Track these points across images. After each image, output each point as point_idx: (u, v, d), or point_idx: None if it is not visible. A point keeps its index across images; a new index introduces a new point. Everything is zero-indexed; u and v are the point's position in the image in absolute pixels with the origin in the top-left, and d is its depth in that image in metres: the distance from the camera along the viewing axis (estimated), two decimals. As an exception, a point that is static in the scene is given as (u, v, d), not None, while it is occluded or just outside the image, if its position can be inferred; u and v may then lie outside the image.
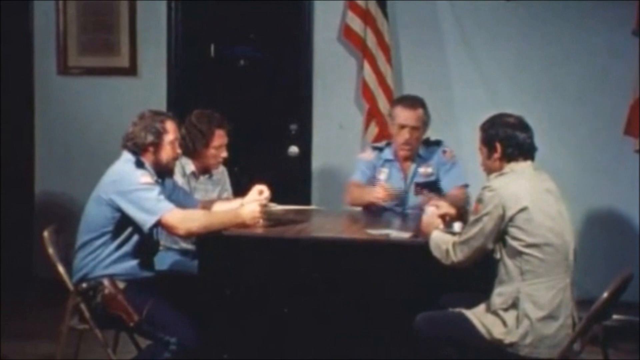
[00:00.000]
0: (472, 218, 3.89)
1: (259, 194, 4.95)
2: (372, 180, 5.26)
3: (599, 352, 4.04)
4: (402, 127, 5.13)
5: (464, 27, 6.39)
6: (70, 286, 4.33)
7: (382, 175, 5.25)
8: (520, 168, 3.92)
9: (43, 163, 6.95)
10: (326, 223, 4.86)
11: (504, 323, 3.78)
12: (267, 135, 6.68)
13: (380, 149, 5.29)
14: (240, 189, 5.11)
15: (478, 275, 3.99)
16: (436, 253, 3.99)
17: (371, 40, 6.32)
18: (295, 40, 6.65)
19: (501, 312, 3.80)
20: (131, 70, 6.76)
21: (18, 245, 6.59)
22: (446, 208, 4.42)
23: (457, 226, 4.44)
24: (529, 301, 3.76)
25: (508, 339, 3.77)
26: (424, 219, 4.29)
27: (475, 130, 6.23)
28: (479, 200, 3.87)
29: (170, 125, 4.39)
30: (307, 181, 6.63)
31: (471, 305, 3.96)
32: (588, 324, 3.79)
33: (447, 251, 3.93)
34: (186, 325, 4.21)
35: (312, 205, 5.26)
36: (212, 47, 6.78)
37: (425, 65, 6.46)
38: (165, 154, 4.39)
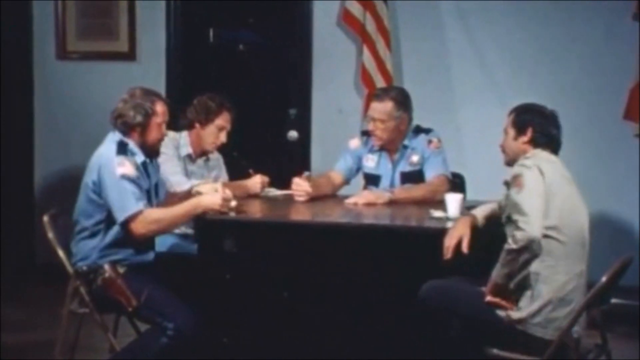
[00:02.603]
0: (516, 192, 3.80)
1: (260, 184, 4.99)
2: (353, 171, 5.23)
3: (598, 335, 4.05)
4: (369, 118, 5.08)
5: (464, 11, 6.39)
6: (70, 270, 4.34)
7: (370, 162, 5.19)
8: (544, 155, 3.96)
9: (42, 147, 6.95)
10: (325, 208, 4.85)
11: (517, 300, 3.80)
12: (266, 120, 6.68)
13: (370, 136, 5.20)
14: (240, 173, 5.12)
15: (477, 258, 3.98)
16: (511, 265, 3.77)
17: (370, 25, 6.31)
18: (295, 25, 6.64)
19: (515, 290, 3.81)
20: (130, 55, 6.76)
21: (19, 231, 6.60)
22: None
23: (436, 212, 4.46)
24: (544, 283, 3.77)
25: (517, 315, 3.78)
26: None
27: (473, 114, 6.34)
28: (518, 176, 3.82)
29: (159, 107, 4.36)
30: (306, 166, 6.62)
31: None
32: (587, 307, 3.80)
33: (508, 243, 3.75)
34: (184, 311, 4.20)
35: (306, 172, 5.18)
36: (211, 32, 6.78)
37: (425, 49, 6.46)
38: (152, 135, 4.37)
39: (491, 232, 4.10)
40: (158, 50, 6.73)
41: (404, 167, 5.11)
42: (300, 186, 4.92)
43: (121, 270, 4.25)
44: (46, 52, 6.88)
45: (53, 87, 6.89)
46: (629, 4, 5.95)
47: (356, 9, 6.35)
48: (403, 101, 5.07)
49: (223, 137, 4.98)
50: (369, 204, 4.79)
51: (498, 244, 3.89)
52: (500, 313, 3.81)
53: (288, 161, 6.57)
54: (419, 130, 5.15)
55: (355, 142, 5.26)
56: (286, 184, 5.23)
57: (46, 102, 6.92)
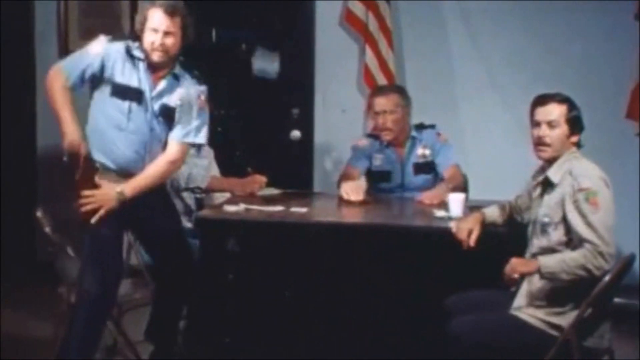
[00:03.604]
0: (592, 212, 3.68)
1: (257, 183, 4.99)
2: (365, 167, 5.31)
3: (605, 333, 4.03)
4: (377, 113, 5.20)
5: (466, 11, 6.40)
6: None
7: (378, 161, 5.30)
8: (582, 156, 3.93)
9: (45, 145, 6.95)
10: (327, 208, 4.87)
11: (559, 314, 3.77)
12: (269, 120, 6.68)
13: (375, 137, 5.32)
14: (243, 172, 5.14)
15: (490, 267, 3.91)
16: (573, 277, 3.68)
17: (373, 24, 6.32)
18: (297, 25, 6.64)
19: (557, 306, 3.78)
20: (132, 54, 6.74)
21: (20, 229, 6.59)
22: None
23: (439, 212, 4.48)
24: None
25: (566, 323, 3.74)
26: (512, 263, 3.84)
27: (475, 114, 6.34)
28: (594, 193, 3.71)
29: (153, 13, 4.26)
30: (309, 164, 6.64)
31: (486, 306, 3.92)
32: (591, 305, 3.78)
33: (586, 267, 3.64)
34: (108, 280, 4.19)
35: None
36: (214, 32, 6.77)
37: (426, 48, 6.46)
38: (144, 40, 4.28)
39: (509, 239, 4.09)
40: None
41: (415, 158, 5.25)
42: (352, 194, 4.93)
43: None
44: (48, 51, 6.87)
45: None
46: (630, 4, 5.95)
47: (359, 9, 6.36)
48: (405, 93, 5.32)
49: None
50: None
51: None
52: (552, 331, 3.75)
53: (291, 160, 6.57)
54: (422, 126, 5.31)
55: (363, 141, 5.37)
56: (289, 182, 5.26)
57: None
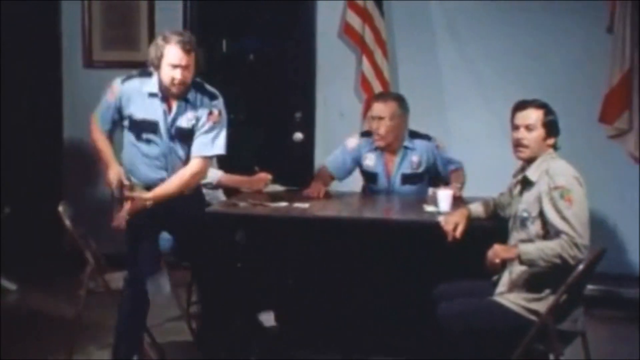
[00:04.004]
0: (567, 208, 3.69)
1: (263, 180, 4.99)
2: (344, 170, 5.14)
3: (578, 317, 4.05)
4: (373, 118, 5.02)
5: (454, 24, 6.39)
6: (88, 255, 4.37)
7: (369, 160, 5.11)
8: (558, 157, 3.92)
9: (70, 145, 6.96)
10: (327, 204, 4.87)
11: (539, 300, 3.78)
12: (274, 123, 6.69)
13: (370, 135, 5.12)
14: (251, 171, 5.15)
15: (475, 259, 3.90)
16: (549, 264, 3.70)
17: (369, 37, 6.31)
18: (300, 37, 6.65)
19: (535, 291, 3.78)
20: (150, 63, 6.76)
21: (47, 223, 6.60)
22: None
23: (429, 207, 4.47)
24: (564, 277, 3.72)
25: (544, 308, 3.75)
26: (495, 249, 3.85)
27: (462, 118, 6.34)
28: (567, 191, 3.71)
29: (169, 50, 4.20)
30: (310, 164, 6.64)
31: (471, 293, 3.93)
32: (566, 292, 3.80)
33: (562, 256, 3.65)
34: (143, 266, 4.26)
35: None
36: (224, 43, 6.79)
37: (418, 58, 6.45)
38: (162, 75, 4.24)
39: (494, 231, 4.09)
40: (165, 32, 6.70)
41: (405, 168, 5.06)
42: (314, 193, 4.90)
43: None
44: (74, 61, 6.90)
45: (80, 92, 6.89)
46: (602, 19, 5.97)
47: (356, 23, 6.36)
48: (403, 102, 5.08)
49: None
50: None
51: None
52: (531, 316, 3.77)
53: (294, 160, 6.58)
54: (415, 134, 5.11)
55: (353, 142, 5.17)
56: (291, 180, 5.26)
57: (74, 105, 6.93)
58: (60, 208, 4.43)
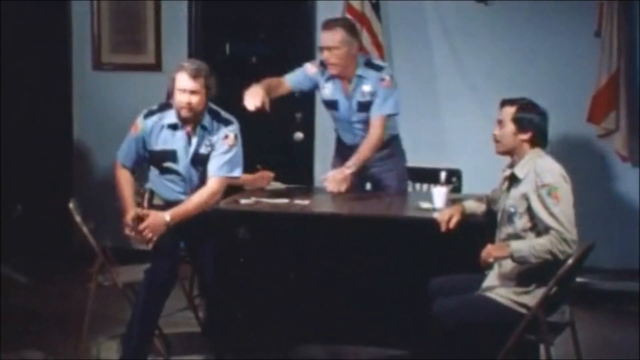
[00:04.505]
0: (554, 205, 3.71)
1: (266, 179, 5.01)
2: (303, 87, 5.05)
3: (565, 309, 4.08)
4: (322, 48, 4.84)
5: (448, 27, 6.39)
6: (97, 249, 4.39)
7: (327, 90, 4.98)
8: (546, 155, 3.91)
9: (80, 146, 6.98)
10: (326, 201, 4.88)
11: (527, 293, 3.80)
12: (275, 123, 6.66)
13: (325, 67, 4.94)
14: (253, 169, 5.15)
15: (470, 253, 3.92)
16: (540, 260, 3.72)
17: (366, 40, 6.31)
18: (300, 39, 6.64)
19: (524, 284, 3.80)
20: (156, 66, 6.77)
21: (58, 227, 6.60)
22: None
23: (424, 204, 4.47)
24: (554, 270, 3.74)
25: (527, 302, 3.77)
26: (488, 248, 3.87)
27: (455, 118, 6.35)
28: (554, 189, 3.72)
29: (179, 76, 4.44)
30: (310, 163, 6.65)
31: (466, 287, 3.95)
32: (556, 285, 3.82)
33: (552, 252, 3.68)
34: (165, 262, 4.35)
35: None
36: (228, 46, 6.79)
37: (413, 60, 6.45)
38: (175, 100, 4.45)
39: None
40: (181, 62, 6.71)
41: (359, 97, 4.90)
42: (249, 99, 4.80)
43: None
44: (83, 63, 6.90)
45: (89, 94, 6.92)
46: (591, 23, 5.99)
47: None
48: (351, 28, 4.88)
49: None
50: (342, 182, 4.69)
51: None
52: (521, 309, 3.78)
53: (294, 159, 6.59)
54: (369, 64, 4.93)
55: (313, 68, 5.03)
56: (292, 178, 5.26)
57: (83, 107, 6.96)
58: (71, 204, 4.47)
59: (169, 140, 4.50)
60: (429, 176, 5.05)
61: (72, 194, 6.84)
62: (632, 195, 6.10)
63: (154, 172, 4.61)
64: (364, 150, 4.82)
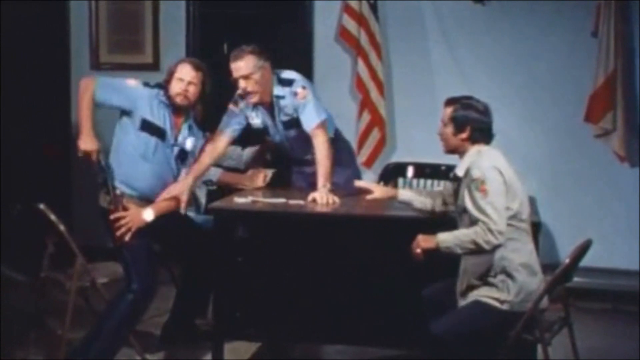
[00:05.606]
0: (482, 198, 3.70)
1: (263, 177, 5.01)
2: (240, 129, 4.88)
3: (561, 309, 4.07)
4: (236, 80, 4.72)
5: (445, 27, 6.39)
6: (75, 249, 4.36)
7: (254, 119, 4.86)
8: (488, 149, 3.86)
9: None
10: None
11: (497, 287, 3.76)
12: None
13: (242, 97, 4.80)
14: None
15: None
16: (465, 250, 3.75)
17: (364, 40, 6.31)
18: (298, 40, 6.63)
19: (491, 279, 3.78)
20: (154, 66, 6.75)
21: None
22: None
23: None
24: (517, 263, 3.74)
25: (503, 297, 3.75)
26: (417, 239, 3.89)
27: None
28: (481, 182, 3.70)
29: (181, 68, 4.58)
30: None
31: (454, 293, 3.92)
32: (553, 284, 3.80)
33: (476, 242, 3.68)
34: (150, 278, 4.34)
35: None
36: (225, 46, 6.77)
37: (411, 60, 6.45)
38: (171, 87, 4.56)
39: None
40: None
41: (282, 116, 4.81)
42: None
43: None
44: (82, 63, 6.89)
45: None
46: (588, 23, 5.98)
47: (352, 26, 6.35)
48: (260, 53, 4.75)
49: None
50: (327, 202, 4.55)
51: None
52: (494, 303, 3.75)
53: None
54: (280, 81, 4.80)
55: (235, 107, 4.85)
56: (290, 179, 5.25)
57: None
58: (42, 206, 4.43)
59: (160, 118, 4.56)
60: (428, 173, 5.04)
61: (72, 194, 6.86)
62: (629, 195, 6.08)
63: (132, 149, 4.54)
64: (322, 162, 4.68)
